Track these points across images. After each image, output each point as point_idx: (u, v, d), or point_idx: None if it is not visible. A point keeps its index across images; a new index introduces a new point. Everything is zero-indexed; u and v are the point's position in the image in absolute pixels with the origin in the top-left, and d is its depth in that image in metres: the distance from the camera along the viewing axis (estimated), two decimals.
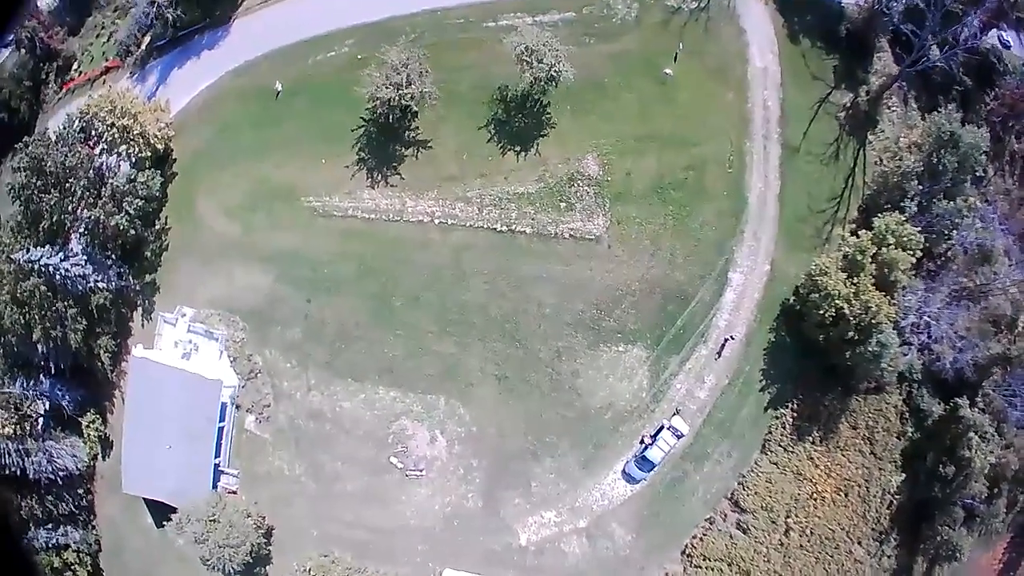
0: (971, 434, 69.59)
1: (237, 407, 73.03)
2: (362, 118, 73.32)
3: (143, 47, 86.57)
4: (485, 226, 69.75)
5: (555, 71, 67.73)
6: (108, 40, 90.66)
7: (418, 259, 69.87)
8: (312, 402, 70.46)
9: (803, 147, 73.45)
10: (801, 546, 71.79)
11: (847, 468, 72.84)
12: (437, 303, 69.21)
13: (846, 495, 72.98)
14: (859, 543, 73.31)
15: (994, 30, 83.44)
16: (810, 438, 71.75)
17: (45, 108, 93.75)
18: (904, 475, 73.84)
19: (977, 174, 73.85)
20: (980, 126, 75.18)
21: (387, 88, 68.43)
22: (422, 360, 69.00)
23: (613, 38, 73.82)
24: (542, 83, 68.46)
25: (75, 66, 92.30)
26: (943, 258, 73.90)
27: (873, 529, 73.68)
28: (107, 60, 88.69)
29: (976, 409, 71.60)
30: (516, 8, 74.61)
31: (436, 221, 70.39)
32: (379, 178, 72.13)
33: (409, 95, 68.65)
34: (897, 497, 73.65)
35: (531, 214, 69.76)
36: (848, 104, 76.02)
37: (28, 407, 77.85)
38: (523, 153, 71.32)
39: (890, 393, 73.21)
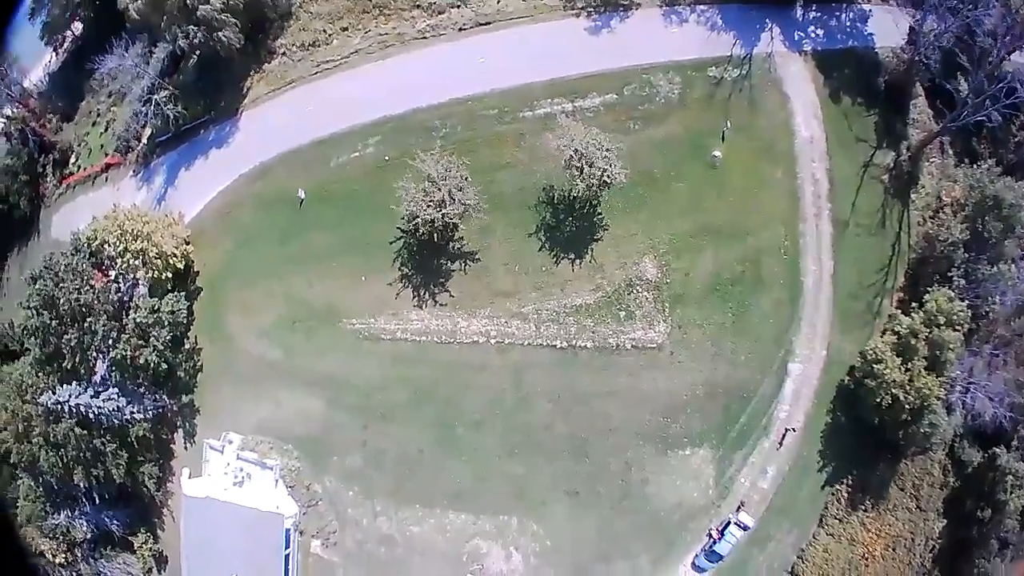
0: (1008, 478, 63.86)
1: (300, 533, 62.22)
2: (400, 229, 59.96)
3: (144, 142, 70.15)
4: (544, 344, 58.67)
5: (608, 176, 54.71)
6: (106, 130, 74.78)
7: (477, 382, 58.84)
8: (380, 528, 60.77)
9: (851, 220, 63.26)
10: None
11: (895, 526, 67.07)
12: (501, 427, 58.84)
13: (894, 550, 67.23)
14: None
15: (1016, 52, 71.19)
16: (863, 507, 65.50)
17: (46, 202, 78.60)
18: (945, 520, 67.27)
19: (1018, 231, 63.81)
20: (1013, 164, 65.05)
21: (428, 208, 54.67)
22: (491, 483, 59.61)
23: (658, 121, 60.89)
24: (595, 189, 55.18)
25: (73, 159, 76.80)
26: (985, 319, 64.71)
27: (916, 572, 67.83)
28: (106, 155, 72.40)
29: (1012, 455, 64.78)
30: (553, 93, 60.74)
31: (492, 341, 58.95)
32: (426, 296, 59.60)
33: (453, 212, 54.91)
34: (939, 541, 67.44)
35: (591, 327, 58.52)
36: (891, 164, 65.28)
37: (76, 534, 65.89)
38: (577, 260, 59.33)
39: (935, 451, 65.55)
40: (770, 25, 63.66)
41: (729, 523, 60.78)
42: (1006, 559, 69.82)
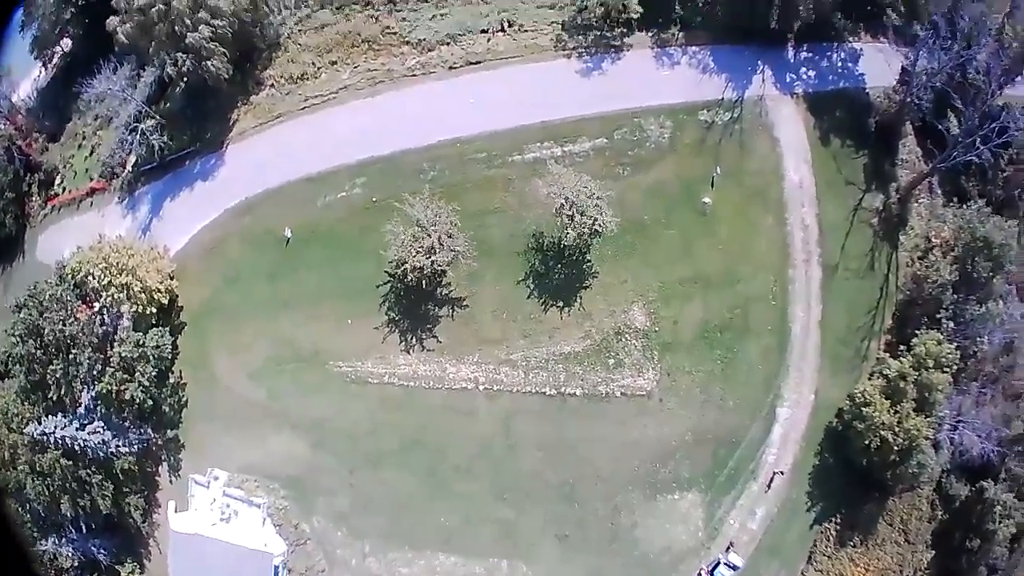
0: (997, 508, 63.94)
1: (289, 570, 61.11)
2: (387, 272, 58.27)
3: (129, 169, 68.17)
4: (533, 391, 57.67)
5: (599, 225, 53.28)
6: (91, 154, 73.09)
7: (465, 429, 58.06)
8: (370, 568, 60.08)
9: (840, 264, 62.56)
10: None
11: (884, 559, 66.76)
12: (490, 473, 58.12)
13: None
14: None
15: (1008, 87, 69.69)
16: (851, 543, 65.09)
17: (32, 223, 76.65)
18: (933, 552, 66.98)
19: (1006, 269, 62.87)
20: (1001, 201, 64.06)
21: (418, 254, 53.13)
22: (480, 527, 58.92)
23: (648, 166, 59.67)
24: (585, 237, 53.75)
25: (58, 181, 75.27)
26: (973, 358, 63.92)
27: None
28: (92, 179, 70.59)
29: (1000, 486, 64.68)
30: (543, 137, 59.14)
31: (481, 387, 57.82)
32: (413, 341, 58.35)
33: (443, 259, 53.41)
34: (927, 571, 67.42)
35: (580, 374, 57.48)
36: (880, 207, 64.53)
37: (63, 561, 64.81)
38: (566, 308, 58.21)
39: (923, 488, 65.09)
40: (761, 66, 62.62)
41: (719, 563, 60.33)
42: None
